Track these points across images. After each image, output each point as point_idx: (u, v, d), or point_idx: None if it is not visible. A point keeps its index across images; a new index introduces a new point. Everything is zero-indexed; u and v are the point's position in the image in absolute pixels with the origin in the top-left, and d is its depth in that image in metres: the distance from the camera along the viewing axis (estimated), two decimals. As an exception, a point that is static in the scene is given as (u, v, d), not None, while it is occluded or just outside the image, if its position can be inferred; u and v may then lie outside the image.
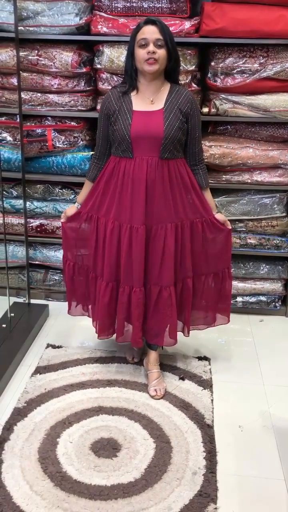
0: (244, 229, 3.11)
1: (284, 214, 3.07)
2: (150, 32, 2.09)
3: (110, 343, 2.73)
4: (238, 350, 2.84)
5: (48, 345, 2.79)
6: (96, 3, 2.79)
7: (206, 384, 2.49)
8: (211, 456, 2.04)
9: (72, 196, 3.11)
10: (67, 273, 2.53)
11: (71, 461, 2.00)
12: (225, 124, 2.97)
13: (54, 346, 2.78)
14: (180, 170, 2.26)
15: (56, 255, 3.22)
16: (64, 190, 3.14)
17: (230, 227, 2.41)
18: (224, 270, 2.47)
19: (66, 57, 2.81)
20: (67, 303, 2.62)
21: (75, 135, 2.98)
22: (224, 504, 1.83)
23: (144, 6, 2.75)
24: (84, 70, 2.83)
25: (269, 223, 3.08)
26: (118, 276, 2.33)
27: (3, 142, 3.03)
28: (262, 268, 3.17)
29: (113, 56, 2.79)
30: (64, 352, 2.73)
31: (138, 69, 2.16)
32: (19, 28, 2.76)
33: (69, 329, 2.95)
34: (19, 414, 2.25)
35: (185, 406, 2.33)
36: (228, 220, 2.44)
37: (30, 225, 3.18)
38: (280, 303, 3.25)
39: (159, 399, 2.38)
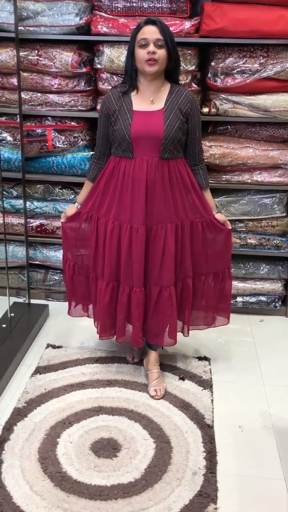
0: (244, 229, 3.11)
1: (284, 214, 3.07)
2: (151, 32, 2.09)
3: (110, 343, 2.73)
4: (238, 350, 2.84)
5: (48, 345, 2.79)
6: (96, 3, 2.79)
7: (206, 384, 2.49)
8: (211, 456, 2.04)
9: (72, 196, 3.11)
10: (67, 273, 2.53)
11: (71, 461, 2.00)
12: (225, 124, 2.97)
13: (54, 346, 2.78)
14: (180, 170, 2.26)
15: (56, 255, 3.22)
16: (64, 190, 3.14)
17: (230, 227, 2.41)
18: (224, 270, 2.47)
19: (66, 57, 2.81)
20: (67, 303, 2.62)
21: (75, 135, 2.98)
22: (224, 504, 1.83)
23: (144, 6, 2.75)
24: (84, 70, 2.83)
25: (269, 223, 3.08)
26: (119, 276, 2.33)
27: (3, 142, 3.03)
28: (262, 268, 3.17)
29: (113, 56, 2.79)
30: (64, 352, 2.73)
31: (138, 69, 2.16)
32: (19, 28, 2.76)
33: (69, 329, 2.95)
34: (19, 414, 2.25)
35: (185, 406, 2.33)
36: (228, 220, 2.44)
37: (30, 225, 3.18)
38: (280, 303, 3.25)
39: (159, 399, 2.38)
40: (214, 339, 2.92)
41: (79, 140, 2.98)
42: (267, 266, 3.17)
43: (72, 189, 3.12)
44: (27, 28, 2.80)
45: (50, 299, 3.32)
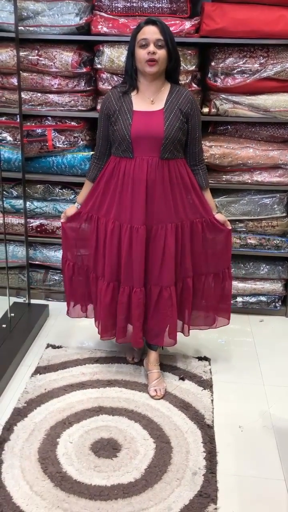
0: (244, 229, 3.11)
1: (284, 214, 3.07)
2: (151, 33, 2.09)
3: (110, 343, 2.73)
4: (238, 350, 2.84)
5: (48, 345, 2.79)
6: (96, 3, 2.79)
7: (206, 384, 2.49)
8: (211, 456, 2.04)
9: (72, 196, 3.11)
10: (66, 273, 2.52)
11: (71, 461, 2.00)
12: (225, 124, 2.97)
13: (54, 346, 2.78)
14: (180, 170, 2.26)
15: (56, 255, 3.22)
16: (64, 190, 3.14)
17: (230, 227, 2.41)
18: (224, 270, 2.47)
19: (66, 57, 2.81)
20: (66, 304, 2.62)
21: (75, 135, 2.98)
22: (224, 504, 1.83)
23: (144, 6, 2.75)
24: (84, 70, 2.83)
25: (269, 223, 3.08)
26: (119, 276, 2.33)
27: (3, 142, 3.03)
28: (262, 268, 3.17)
29: (113, 56, 2.79)
30: (64, 352, 2.73)
31: (138, 69, 2.16)
32: (19, 28, 2.76)
33: (69, 329, 2.95)
34: (19, 414, 2.25)
35: (185, 406, 2.33)
36: (228, 220, 2.44)
37: (30, 225, 3.18)
38: (280, 303, 3.25)
39: (159, 399, 2.38)
40: (214, 339, 2.92)
41: (79, 140, 2.98)
42: (267, 266, 3.17)
43: (72, 189, 3.12)
44: (27, 28, 2.80)
45: (50, 299, 3.32)
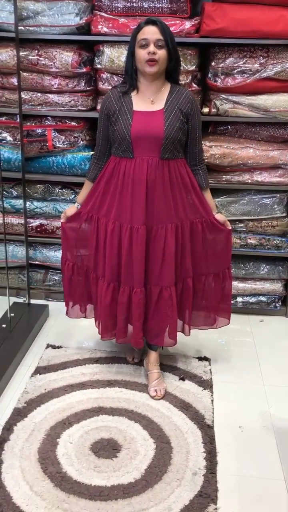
0: (244, 229, 3.11)
1: (284, 215, 3.07)
2: (151, 33, 2.09)
3: (110, 343, 2.73)
4: (238, 351, 2.84)
5: (48, 345, 2.79)
6: (96, 3, 2.78)
7: (206, 385, 2.49)
8: (211, 457, 2.04)
9: (72, 196, 3.11)
10: (66, 274, 2.52)
11: (71, 462, 2.00)
12: (225, 124, 2.96)
13: (54, 347, 2.78)
14: (180, 171, 2.26)
15: (56, 255, 3.22)
16: (64, 190, 3.14)
17: (230, 228, 2.41)
18: (225, 271, 2.46)
19: (66, 57, 2.80)
20: (64, 304, 2.61)
21: (75, 135, 2.98)
22: (224, 504, 1.83)
23: (145, 6, 2.74)
24: (84, 70, 2.83)
25: (269, 223, 3.08)
26: (120, 276, 2.33)
27: (3, 142, 3.03)
28: (262, 268, 3.17)
29: (113, 56, 2.79)
30: (64, 353, 2.73)
31: (138, 69, 2.16)
32: (19, 28, 2.76)
33: (69, 329, 2.95)
34: (19, 414, 2.25)
35: (185, 407, 2.33)
36: (228, 220, 2.44)
37: (30, 225, 3.18)
38: (280, 303, 3.25)
39: (159, 399, 2.38)
40: (214, 339, 2.92)
41: (79, 140, 2.98)
42: (267, 266, 3.17)
43: (72, 189, 3.12)
44: (27, 28, 2.80)
45: (50, 299, 3.32)
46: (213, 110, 2.86)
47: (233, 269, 2.97)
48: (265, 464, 2.03)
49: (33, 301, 3.21)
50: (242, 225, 3.10)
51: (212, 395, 2.42)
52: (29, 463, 1.99)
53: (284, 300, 3.27)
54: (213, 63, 2.78)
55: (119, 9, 2.76)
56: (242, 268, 3.17)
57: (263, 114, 2.85)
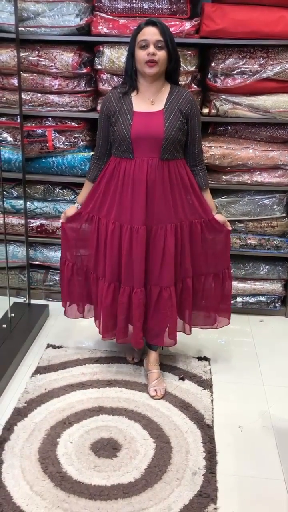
0: (244, 229, 3.12)
1: (284, 215, 3.07)
2: (151, 34, 2.09)
3: (110, 343, 2.73)
4: (238, 351, 2.85)
5: (48, 345, 2.80)
6: (96, 4, 2.79)
7: (206, 384, 2.50)
8: (211, 456, 2.05)
9: (73, 196, 3.12)
10: (65, 274, 2.52)
11: (71, 461, 2.00)
12: (225, 125, 2.97)
13: (54, 346, 2.78)
14: (180, 171, 2.26)
15: (56, 255, 3.22)
16: (64, 190, 3.14)
17: (230, 228, 2.41)
18: (224, 271, 2.47)
19: (66, 58, 2.81)
20: (63, 304, 2.61)
21: (75, 135, 2.98)
22: (224, 504, 1.84)
23: (145, 7, 2.75)
24: (84, 70, 2.83)
25: (269, 224, 3.09)
26: (120, 277, 2.33)
27: (3, 142, 3.03)
28: (262, 268, 3.17)
29: (113, 57, 2.79)
30: (64, 352, 2.73)
31: (138, 70, 2.17)
32: (19, 28, 2.76)
33: (69, 329, 2.95)
34: (19, 414, 2.25)
35: (185, 406, 2.33)
36: (228, 220, 2.44)
37: (31, 225, 3.18)
38: (280, 303, 3.25)
39: (159, 399, 2.38)
40: (214, 339, 2.92)
41: (80, 141, 2.98)
42: (266, 267, 3.17)
43: (73, 189, 3.13)
44: (28, 28, 2.80)
45: (50, 299, 3.32)
46: (213, 110, 2.87)
47: (233, 269, 2.97)
48: (265, 464, 2.03)
49: (33, 301, 3.21)
50: (241, 225, 3.10)
51: (211, 395, 2.42)
52: (30, 462, 1.99)
53: (283, 300, 3.28)
54: (213, 64, 2.78)
55: (119, 10, 2.77)
56: (242, 268, 3.17)
57: (263, 114, 2.85)
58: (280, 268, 3.17)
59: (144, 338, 2.43)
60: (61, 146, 2.98)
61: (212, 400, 2.39)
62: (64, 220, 2.47)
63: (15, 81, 2.87)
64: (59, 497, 1.84)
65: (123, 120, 2.18)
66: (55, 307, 3.17)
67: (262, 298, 3.22)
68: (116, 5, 2.76)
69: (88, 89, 2.90)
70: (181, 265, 2.33)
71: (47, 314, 3.13)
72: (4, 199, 3.13)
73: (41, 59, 2.83)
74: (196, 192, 2.31)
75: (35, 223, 3.19)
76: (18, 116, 2.90)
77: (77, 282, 2.52)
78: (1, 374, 2.43)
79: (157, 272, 2.30)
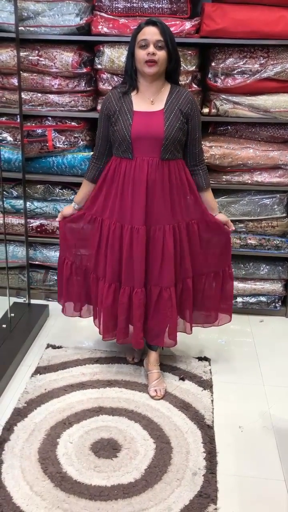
0: (244, 229, 3.11)
1: (284, 215, 3.07)
2: (151, 33, 2.09)
3: (110, 343, 2.73)
4: (238, 351, 2.84)
5: (48, 345, 2.79)
6: (96, 4, 2.79)
7: (206, 385, 2.49)
8: (211, 457, 2.04)
9: (73, 196, 3.11)
10: (64, 273, 2.52)
11: (71, 462, 2.00)
12: (225, 124, 2.97)
13: (54, 347, 2.78)
14: (180, 171, 2.26)
15: (56, 255, 3.21)
16: (64, 190, 3.14)
17: (233, 228, 2.40)
18: (225, 269, 2.46)
19: (66, 58, 2.81)
20: (61, 302, 2.61)
21: (75, 135, 2.98)
22: (224, 504, 1.83)
23: (145, 7, 2.75)
24: (84, 70, 2.83)
25: (269, 224, 3.08)
26: (121, 277, 2.33)
27: (3, 142, 3.03)
28: (262, 268, 3.17)
29: (113, 57, 2.79)
30: (64, 353, 2.73)
31: (138, 69, 2.17)
32: (19, 28, 2.76)
33: (69, 329, 2.95)
34: (19, 414, 2.25)
35: (185, 407, 2.33)
36: (228, 220, 2.44)
37: (30, 225, 3.18)
38: (280, 303, 3.25)
39: (159, 399, 2.38)
40: (214, 339, 2.92)
41: (80, 141, 2.98)
42: (267, 267, 3.17)
43: (72, 189, 3.13)
44: (28, 28, 2.80)
45: (50, 299, 3.32)
46: (213, 110, 2.86)
47: (233, 269, 2.96)
48: (265, 464, 2.03)
49: (33, 301, 3.21)
50: (242, 225, 3.10)
51: (212, 395, 2.42)
52: (29, 463, 1.99)
53: (284, 300, 3.28)
54: (213, 64, 2.78)
55: (119, 9, 2.77)
56: (242, 268, 3.17)
57: (263, 114, 2.85)
58: (280, 268, 3.17)
59: (144, 338, 2.43)
60: (61, 146, 2.98)
61: (212, 401, 2.38)
62: (60, 219, 2.46)
63: (15, 81, 2.87)
64: (59, 498, 1.84)
65: (123, 120, 2.17)
66: (55, 307, 3.16)
67: (263, 298, 3.22)
68: (116, 5, 2.76)
69: (88, 88, 2.89)
70: (181, 265, 2.33)
71: (47, 314, 3.13)
72: (4, 199, 3.13)
73: (41, 59, 2.83)
74: (194, 192, 2.31)
75: (35, 223, 3.19)
76: (18, 116, 2.90)
77: (75, 281, 2.51)
78: (1, 374, 2.43)
79: (157, 272, 2.29)
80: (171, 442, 2.12)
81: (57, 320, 3.07)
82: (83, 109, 2.93)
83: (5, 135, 3.03)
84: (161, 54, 2.10)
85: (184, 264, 2.34)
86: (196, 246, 2.35)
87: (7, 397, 2.37)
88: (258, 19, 2.67)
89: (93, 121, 2.89)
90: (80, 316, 2.61)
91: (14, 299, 3.18)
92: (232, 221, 2.92)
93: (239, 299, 3.20)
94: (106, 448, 2.07)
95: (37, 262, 3.28)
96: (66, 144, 2.98)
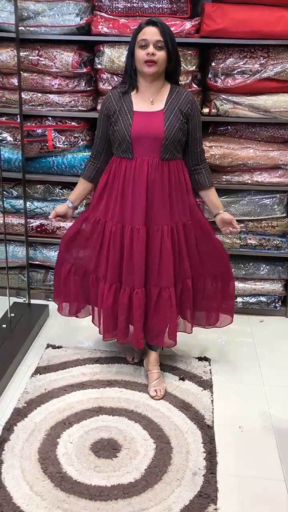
0: (244, 229, 3.11)
1: (284, 215, 3.07)
2: (151, 33, 2.09)
3: (110, 343, 2.73)
4: (238, 351, 2.84)
5: (48, 345, 2.79)
6: (96, 4, 2.79)
7: (206, 385, 2.49)
8: (211, 457, 2.04)
9: (72, 196, 3.11)
10: (63, 273, 2.51)
11: (71, 462, 2.00)
12: (225, 124, 2.97)
13: (54, 346, 2.78)
14: (179, 172, 2.26)
15: (56, 255, 3.21)
16: (64, 190, 3.14)
17: (238, 228, 2.35)
18: (224, 270, 2.46)
19: (66, 57, 2.81)
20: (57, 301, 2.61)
21: (75, 135, 2.98)
22: (224, 504, 1.83)
23: (145, 7, 2.75)
24: (84, 70, 2.83)
25: (269, 224, 3.08)
26: (121, 277, 2.33)
27: (3, 142, 3.03)
28: (262, 268, 3.17)
29: (113, 57, 2.79)
30: (64, 353, 2.73)
31: (138, 69, 2.16)
32: (19, 28, 2.76)
33: (69, 329, 2.95)
34: (19, 414, 2.25)
35: (185, 407, 2.33)
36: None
37: (30, 225, 3.18)
38: (280, 303, 3.25)
39: (159, 399, 2.38)
40: (214, 339, 2.92)
41: (80, 140, 2.98)
42: (267, 267, 3.17)
43: (72, 189, 3.09)
44: (28, 28, 2.80)
45: (50, 299, 3.31)
46: (213, 110, 2.86)
47: (233, 270, 2.96)
48: (265, 465, 2.03)
49: (33, 301, 3.21)
50: (242, 225, 3.09)
51: (212, 395, 2.42)
52: (29, 463, 1.99)
53: (284, 300, 3.28)
54: (213, 64, 2.78)
55: (120, 9, 2.77)
56: (242, 268, 3.17)
57: (263, 114, 2.85)
58: (280, 268, 3.17)
59: (144, 338, 2.43)
60: (61, 145, 2.98)
61: (212, 401, 2.38)
62: (53, 217, 2.44)
63: (15, 81, 2.87)
64: (59, 498, 1.83)
65: (123, 120, 2.17)
66: (55, 307, 3.15)
67: (263, 298, 3.22)
68: (116, 5, 2.76)
69: (88, 88, 2.89)
70: (179, 265, 2.33)
71: (47, 314, 3.13)
72: (4, 199, 3.12)
73: (41, 59, 2.83)
74: (190, 193, 2.31)
75: (35, 223, 3.19)
76: (18, 116, 2.90)
77: (73, 281, 2.51)
78: (1, 374, 2.43)
79: (156, 272, 2.29)
80: (171, 442, 2.12)
81: (57, 320, 3.07)
82: (83, 109, 2.93)
83: (5, 135, 3.03)
84: (161, 55, 2.10)
85: (182, 264, 2.33)
86: (192, 246, 2.35)
87: (7, 397, 2.37)
88: (258, 19, 2.67)
89: (93, 121, 2.88)
90: (77, 316, 2.60)
91: (14, 299, 3.18)
92: (232, 221, 2.94)
93: (239, 299, 3.20)
94: (106, 448, 2.07)
95: (37, 262, 3.28)
96: (66, 144, 2.98)
